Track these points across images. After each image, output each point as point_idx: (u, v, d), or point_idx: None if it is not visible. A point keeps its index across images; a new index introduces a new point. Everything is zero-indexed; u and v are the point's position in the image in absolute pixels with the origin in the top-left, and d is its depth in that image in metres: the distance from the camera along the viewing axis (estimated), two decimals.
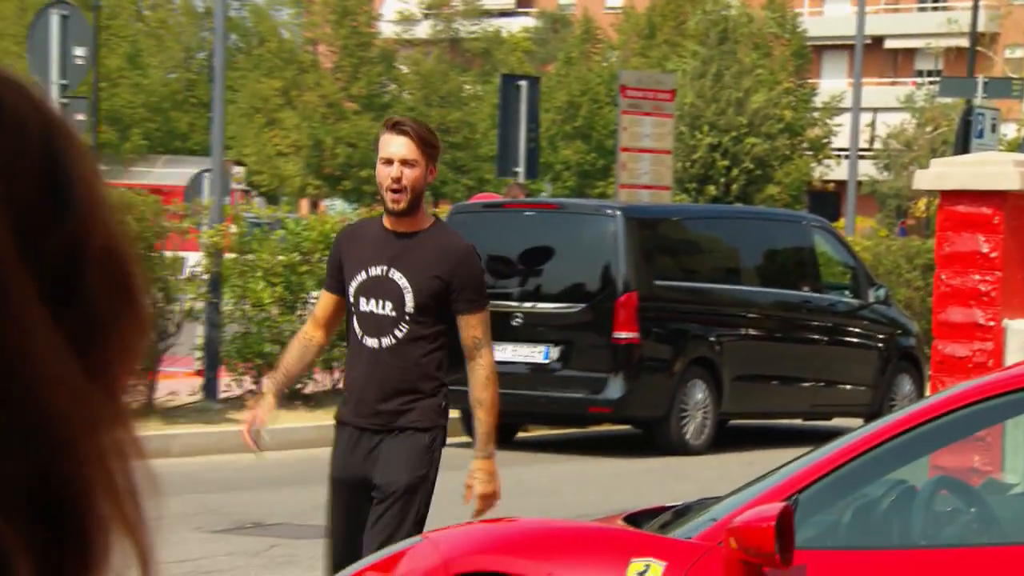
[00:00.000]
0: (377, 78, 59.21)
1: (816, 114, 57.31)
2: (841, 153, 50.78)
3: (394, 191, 6.55)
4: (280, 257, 16.57)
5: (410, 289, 6.54)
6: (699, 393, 16.18)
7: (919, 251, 22.44)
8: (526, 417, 16.62)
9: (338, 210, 48.19)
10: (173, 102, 58.89)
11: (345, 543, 6.61)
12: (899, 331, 17.87)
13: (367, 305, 6.61)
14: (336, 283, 6.82)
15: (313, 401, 16.12)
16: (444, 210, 19.95)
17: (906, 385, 17.55)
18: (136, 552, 0.90)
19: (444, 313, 6.65)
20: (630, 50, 60.12)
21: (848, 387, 17.36)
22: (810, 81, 59.81)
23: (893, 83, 65.35)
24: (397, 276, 6.58)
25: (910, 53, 68.88)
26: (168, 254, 15.25)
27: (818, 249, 17.94)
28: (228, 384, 16.63)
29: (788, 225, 18.89)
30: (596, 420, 16.85)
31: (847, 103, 41.65)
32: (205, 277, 15.76)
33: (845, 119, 44.24)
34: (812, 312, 17.37)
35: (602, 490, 13.29)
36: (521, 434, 16.81)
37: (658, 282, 15.95)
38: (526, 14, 70.24)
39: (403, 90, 60.90)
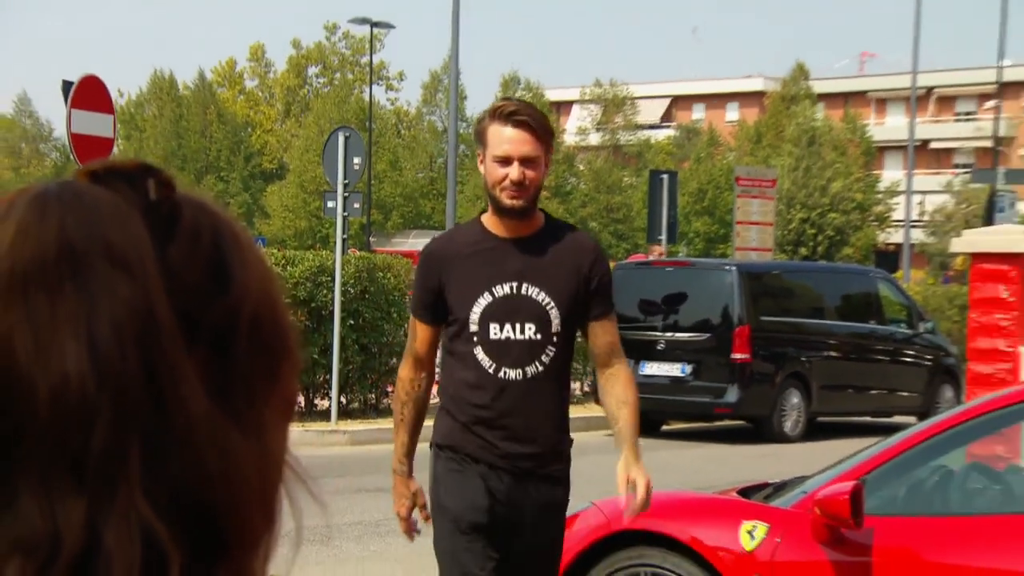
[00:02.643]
0: (562, 174, 59.50)
1: (880, 195, 56.44)
2: (899, 223, 49.94)
3: (514, 190, 3.87)
4: None
5: (553, 304, 3.93)
6: (794, 398, 15.98)
7: (957, 295, 21.90)
8: (669, 415, 16.61)
9: None
10: (421, 193, 59.84)
11: None
12: (943, 353, 17.50)
13: (500, 332, 3.94)
14: (435, 312, 4.04)
15: None
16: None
17: (948, 393, 17.15)
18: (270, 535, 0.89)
19: (577, 327, 4.10)
20: (743, 151, 59.71)
21: (905, 393, 17.01)
22: (875, 172, 58.85)
23: (937, 173, 63.91)
24: (533, 291, 3.95)
25: (950, 151, 67.29)
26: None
27: (881, 293, 17.68)
28: None
29: (858, 276, 18.71)
30: (720, 417, 16.69)
31: (903, 187, 40.91)
32: None
33: (902, 199, 43.42)
34: (877, 339, 17.07)
35: (726, 469, 13.07)
36: (665, 427, 16.73)
37: (764, 318, 15.79)
38: (669, 127, 70.12)
39: (580, 181, 61.14)
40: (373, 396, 14.64)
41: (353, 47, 65.25)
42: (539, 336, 3.96)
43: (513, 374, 3.95)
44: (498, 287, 3.96)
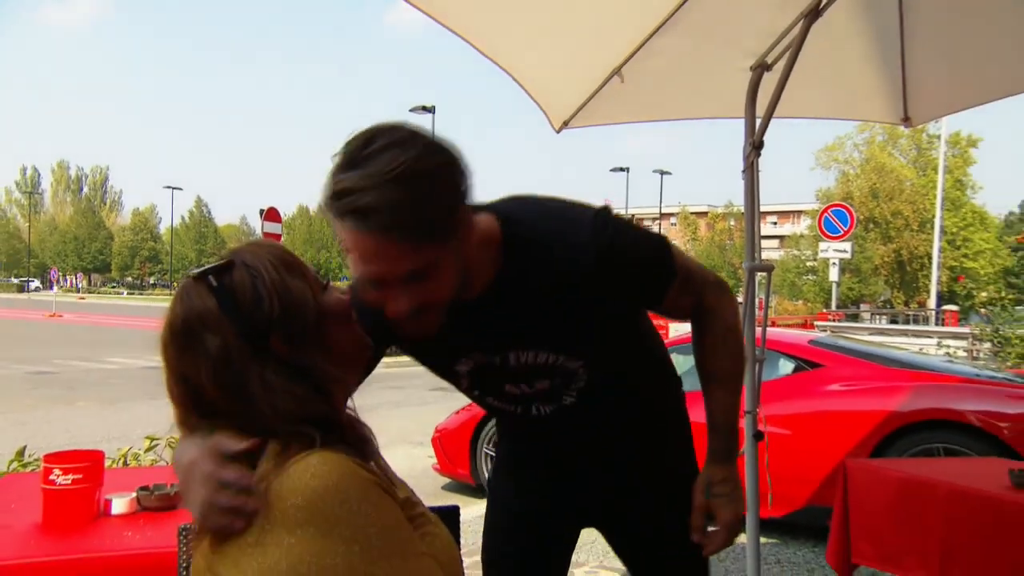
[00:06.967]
0: None
1: None
2: None
3: (409, 325, 0.88)
4: None
5: (564, 357, 1.15)
6: None
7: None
8: None
9: None
10: None
11: None
12: None
13: (500, 400, 1.24)
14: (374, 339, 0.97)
15: None
16: None
17: None
18: (364, 432, 0.87)
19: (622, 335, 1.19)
20: None
21: None
22: None
23: None
24: (528, 356, 1.13)
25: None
26: None
27: None
28: None
29: None
30: None
31: None
32: None
33: None
34: None
35: None
36: None
37: None
38: None
39: None
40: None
41: None
42: (559, 380, 1.20)
43: (546, 409, 1.24)
44: (478, 355, 1.18)
